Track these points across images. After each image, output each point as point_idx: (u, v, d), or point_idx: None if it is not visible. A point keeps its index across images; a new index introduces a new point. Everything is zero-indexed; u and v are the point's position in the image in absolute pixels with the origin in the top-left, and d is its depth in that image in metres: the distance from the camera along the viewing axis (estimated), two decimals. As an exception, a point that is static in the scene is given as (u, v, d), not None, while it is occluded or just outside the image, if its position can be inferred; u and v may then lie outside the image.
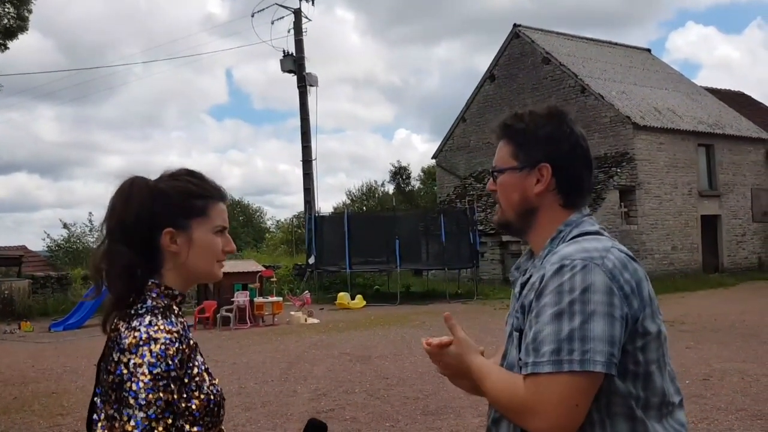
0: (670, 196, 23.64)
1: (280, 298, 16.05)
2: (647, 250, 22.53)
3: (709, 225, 24.83)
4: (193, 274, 1.52)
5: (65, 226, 31.34)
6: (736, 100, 30.82)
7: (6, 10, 18.76)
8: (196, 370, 1.42)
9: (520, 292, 1.55)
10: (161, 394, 1.31)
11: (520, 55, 26.21)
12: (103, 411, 1.39)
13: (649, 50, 31.93)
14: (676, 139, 24.00)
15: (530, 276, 1.53)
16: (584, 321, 1.32)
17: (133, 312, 1.42)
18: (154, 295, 1.45)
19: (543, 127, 1.57)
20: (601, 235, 1.50)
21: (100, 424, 1.40)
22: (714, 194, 25.11)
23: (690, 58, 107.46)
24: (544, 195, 1.55)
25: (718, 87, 32.27)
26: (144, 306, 1.42)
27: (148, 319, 1.39)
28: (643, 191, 22.83)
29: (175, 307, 1.48)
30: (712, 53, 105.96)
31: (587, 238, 1.47)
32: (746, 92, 34.18)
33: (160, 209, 1.47)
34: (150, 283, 1.46)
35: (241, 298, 14.74)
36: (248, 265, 16.87)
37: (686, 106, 26.60)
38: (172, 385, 1.34)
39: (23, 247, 25.79)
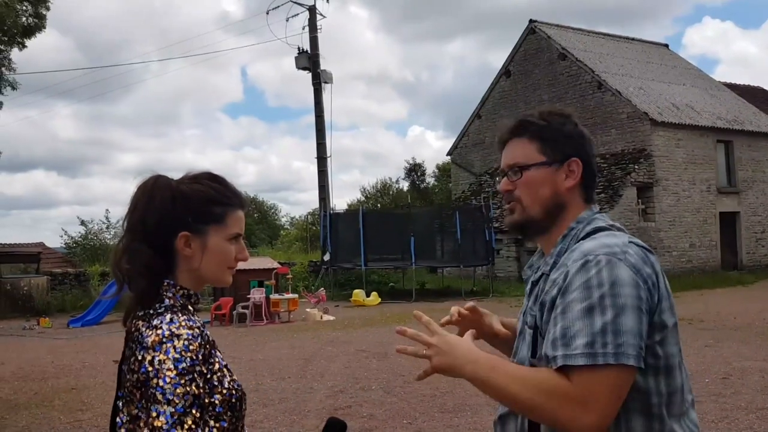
0: (688, 192, 23.40)
1: (296, 295, 16.10)
2: (665, 248, 22.33)
3: (728, 222, 24.56)
4: (203, 277, 1.53)
5: (82, 223, 31.56)
6: (755, 96, 30.45)
7: (24, 8, 18.95)
8: (217, 366, 1.43)
9: (532, 290, 1.56)
10: (188, 389, 1.32)
11: (536, 50, 26.05)
12: (126, 412, 1.39)
13: (666, 45, 31.63)
14: (695, 135, 23.75)
15: (542, 274, 1.53)
16: (616, 315, 1.32)
17: (152, 311, 1.43)
18: (170, 295, 1.46)
19: (564, 125, 1.58)
20: (616, 230, 1.51)
21: (123, 426, 1.40)
22: (733, 191, 24.83)
23: (707, 53, 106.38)
24: (573, 190, 1.56)
25: (737, 82, 31.92)
26: (162, 305, 1.44)
27: (168, 316, 1.40)
28: (661, 188, 22.62)
29: (190, 306, 1.50)
30: (730, 48, 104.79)
31: (605, 233, 1.47)
32: (765, 87, 33.76)
33: (179, 212, 1.47)
34: (166, 283, 1.47)
35: (257, 295, 14.81)
36: (264, 262, 16.94)
37: (704, 101, 26.31)
38: (198, 379, 1.35)
39: (41, 244, 26.03)
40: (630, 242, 1.43)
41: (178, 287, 1.48)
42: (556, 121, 1.59)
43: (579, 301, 1.35)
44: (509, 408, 1.50)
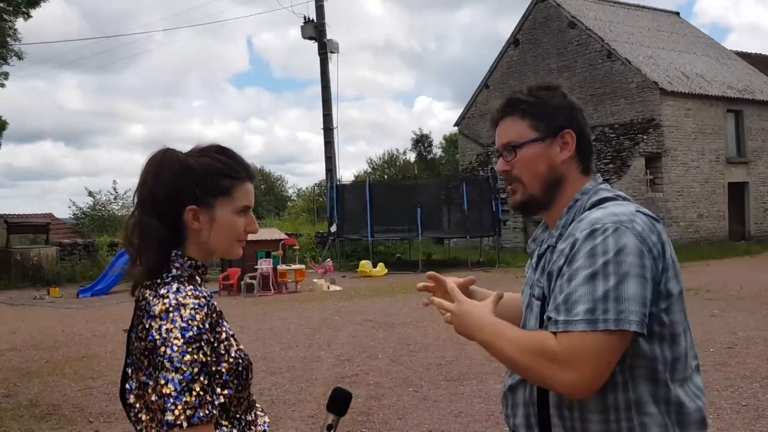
0: (697, 163, 23.24)
1: (303, 266, 16.18)
2: (672, 218, 22.26)
3: (737, 192, 24.42)
4: (212, 250, 1.54)
5: (90, 194, 31.63)
6: (767, 64, 30.03)
7: (28, -23, 18.79)
8: (224, 335, 1.45)
9: (538, 263, 1.57)
10: (195, 356, 1.34)
11: (545, 19, 25.71)
12: (135, 379, 1.41)
13: (677, 13, 31.12)
14: (704, 104, 23.50)
15: (548, 246, 1.55)
16: (619, 282, 1.34)
17: (159, 281, 1.44)
18: (177, 265, 1.48)
19: (553, 98, 1.59)
20: (622, 199, 1.52)
21: (133, 393, 1.43)
22: (742, 161, 24.64)
23: (719, 22, 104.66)
24: (569, 162, 1.57)
25: (749, 51, 31.45)
26: (169, 275, 1.45)
27: (175, 286, 1.42)
28: (670, 158, 22.46)
29: (198, 277, 1.51)
30: (742, 16, 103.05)
31: (612, 203, 1.48)
32: (778, 56, 33.26)
33: (187, 186, 1.48)
34: (174, 253, 1.48)
35: (264, 265, 14.89)
36: (271, 233, 17.01)
37: (715, 70, 25.98)
38: (205, 347, 1.37)
39: (50, 215, 26.18)
40: (637, 211, 1.44)
41: (186, 258, 1.49)
42: (545, 95, 1.59)
43: (584, 268, 1.37)
44: (511, 370, 1.55)
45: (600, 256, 1.36)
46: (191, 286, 1.43)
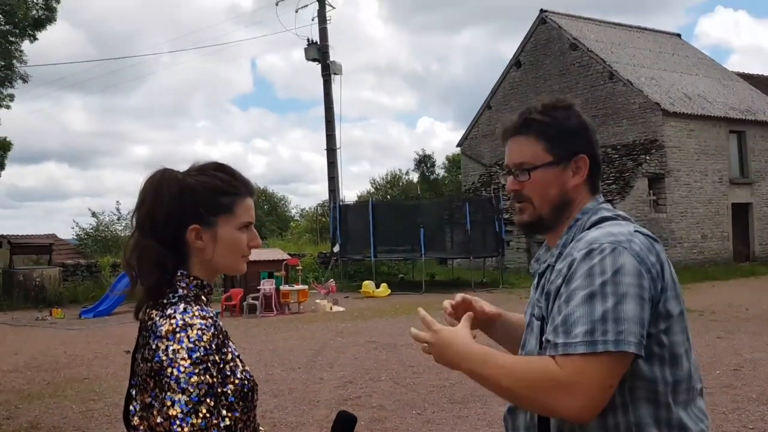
0: (700, 183, 23.23)
1: (306, 287, 16.14)
2: (676, 239, 22.20)
3: (741, 213, 24.37)
4: (217, 268, 1.54)
5: (93, 214, 31.65)
6: (769, 86, 30.13)
7: (35, 1, 19.02)
8: (230, 356, 1.44)
9: (539, 282, 1.56)
10: (202, 378, 1.33)
11: (547, 41, 25.88)
12: (140, 401, 1.40)
13: (679, 35, 31.31)
14: (707, 125, 23.54)
15: (548, 266, 1.53)
16: (617, 302, 1.32)
17: (165, 301, 1.44)
18: (183, 285, 1.47)
19: (568, 119, 1.58)
20: (621, 219, 1.51)
21: (137, 415, 1.41)
22: (745, 182, 24.62)
23: (720, 43, 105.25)
24: (580, 186, 1.57)
25: (750, 72, 31.57)
26: (176, 295, 1.45)
27: (182, 306, 1.41)
28: (673, 179, 22.47)
29: (203, 297, 1.50)
30: (743, 38, 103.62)
31: (610, 223, 1.48)
32: (779, 77, 33.37)
33: (188, 205, 1.47)
34: (179, 273, 1.48)
35: (267, 286, 14.85)
36: (274, 253, 16.97)
37: (717, 91, 26.07)
38: (212, 369, 1.36)
39: (53, 236, 26.19)
40: (636, 231, 1.43)
41: (192, 277, 1.49)
42: (561, 116, 1.57)
43: (581, 288, 1.36)
44: (508, 401, 1.50)
45: (598, 277, 1.35)
46: (198, 306, 1.43)
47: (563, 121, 1.57)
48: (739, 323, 11.21)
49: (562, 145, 1.55)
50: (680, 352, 1.42)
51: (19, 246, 20.02)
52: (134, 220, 1.50)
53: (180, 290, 1.46)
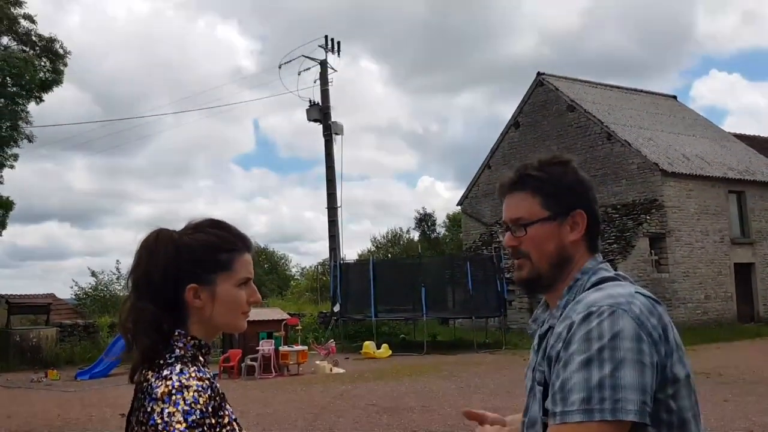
0: (702, 243, 23.22)
1: (305, 347, 15.93)
2: (680, 299, 22.04)
3: (743, 273, 24.27)
4: (217, 327, 1.52)
5: (93, 274, 31.67)
6: (766, 146, 30.48)
7: (42, 64, 19.47)
8: (226, 419, 1.40)
9: (539, 344, 1.53)
10: None
11: (545, 102, 26.34)
12: None
13: (675, 97, 31.91)
14: (706, 185, 23.71)
15: (549, 327, 1.51)
16: (615, 368, 1.29)
17: (162, 362, 1.41)
18: (180, 345, 1.44)
19: (565, 175, 1.57)
20: (622, 280, 1.49)
21: None
22: (747, 242, 24.62)
23: (716, 105, 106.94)
24: (578, 242, 1.54)
25: (747, 133, 32.01)
26: (172, 355, 1.42)
27: (179, 367, 1.38)
28: (674, 239, 22.47)
29: (201, 357, 1.47)
30: (739, 100, 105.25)
31: (610, 284, 1.45)
32: (775, 138, 33.79)
33: (185, 264, 1.45)
34: (176, 333, 1.45)
35: (266, 346, 14.66)
36: (273, 313, 16.83)
37: (715, 152, 26.36)
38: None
39: (51, 295, 26.07)
40: (636, 292, 1.40)
41: (189, 337, 1.46)
42: (557, 172, 1.57)
43: (578, 353, 1.32)
44: None
45: (595, 341, 1.31)
46: (195, 367, 1.39)
47: (560, 177, 1.56)
48: (747, 386, 11.00)
49: (558, 200, 1.54)
50: (689, 417, 1.38)
51: (16, 306, 19.87)
52: (130, 281, 1.48)
53: (177, 350, 1.42)
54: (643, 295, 1.41)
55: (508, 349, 18.49)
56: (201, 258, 1.46)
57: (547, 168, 1.58)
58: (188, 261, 1.45)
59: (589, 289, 1.46)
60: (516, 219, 1.57)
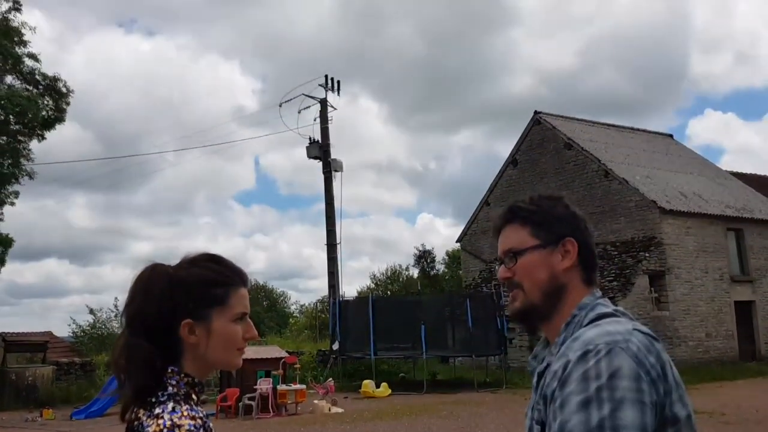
0: (701, 281, 23.16)
1: (304, 386, 15.76)
2: (681, 338, 21.89)
3: (744, 311, 24.15)
4: (212, 363, 1.49)
5: (91, 311, 31.49)
6: (763, 184, 30.63)
7: (45, 102, 19.69)
8: None
9: (538, 382, 1.51)
10: None
11: (542, 140, 26.56)
12: None
13: (671, 135, 32.17)
14: (704, 223, 23.75)
15: (547, 365, 1.49)
16: (614, 409, 1.26)
17: (154, 400, 1.39)
18: (173, 383, 1.42)
19: (555, 207, 1.59)
20: (620, 315, 1.47)
21: None
22: (746, 279, 24.56)
23: (712, 144, 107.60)
24: (571, 271, 1.53)
25: (743, 171, 32.20)
26: (165, 393, 1.40)
27: (171, 405, 1.36)
28: (673, 276, 22.41)
29: (194, 395, 1.45)
30: (734, 138, 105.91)
31: (607, 320, 1.43)
32: (772, 176, 33.99)
33: (180, 299, 1.44)
34: (170, 370, 1.43)
35: (263, 385, 14.51)
36: (271, 351, 16.70)
37: (712, 190, 26.48)
38: None
39: (49, 333, 25.82)
40: (634, 329, 1.39)
41: (183, 375, 1.44)
42: (547, 204, 1.59)
43: (576, 393, 1.30)
44: None
45: (593, 381, 1.30)
46: (187, 406, 1.37)
47: (549, 208, 1.58)
48: (751, 426, 10.87)
49: (548, 228, 1.55)
50: None
51: (13, 344, 19.70)
52: (124, 317, 1.47)
53: (170, 388, 1.40)
54: (641, 332, 1.39)
55: (508, 388, 18.29)
56: (196, 293, 1.44)
57: (537, 201, 1.61)
58: (183, 296, 1.43)
59: (586, 325, 1.45)
60: (507, 250, 1.59)
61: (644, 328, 1.42)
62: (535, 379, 1.55)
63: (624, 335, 1.36)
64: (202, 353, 1.45)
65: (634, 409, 1.27)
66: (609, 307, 1.50)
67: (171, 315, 1.43)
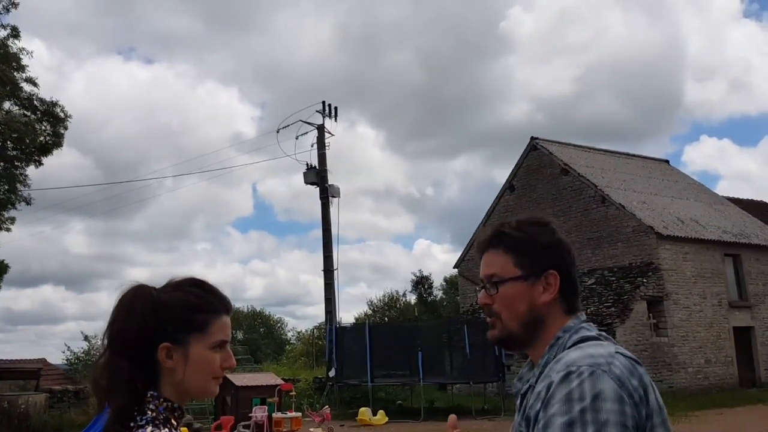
0: (700, 307, 23.07)
1: (300, 414, 15.58)
2: (680, 364, 21.74)
3: (743, 337, 24.04)
4: (187, 389, 1.47)
5: (86, 338, 31.28)
6: (760, 210, 30.72)
7: (43, 128, 19.73)
8: None
9: (521, 403, 1.50)
10: None
11: (539, 166, 26.65)
12: None
13: (667, 161, 32.31)
14: (701, 248, 23.75)
15: (530, 386, 1.48)
16: (598, 431, 1.25)
17: (133, 424, 1.36)
18: (152, 407, 1.40)
19: (541, 235, 1.56)
20: (603, 339, 1.46)
21: None
22: (745, 305, 24.49)
23: (708, 169, 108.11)
24: (551, 303, 1.52)
25: (740, 197, 32.29)
26: (144, 418, 1.37)
27: (149, 429, 1.34)
28: (672, 302, 22.33)
29: (173, 420, 1.43)
30: (729, 164, 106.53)
31: (590, 343, 1.43)
32: (769, 201, 34.10)
33: (160, 322, 1.43)
34: (149, 394, 1.41)
35: (259, 413, 14.34)
36: (267, 378, 16.55)
37: (709, 215, 26.53)
38: None
39: (43, 360, 25.61)
40: (617, 352, 1.38)
41: (162, 399, 1.41)
42: (533, 231, 1.57)
43: (560, 415, 1.29)
44: None
45: (576, 403, 1.28)
46: (166, 430, 1.36)
47: (535, 237, 1.55)
48: (752, 453, 10.73)
49: (531, 259, 1.53)
50: None
51: (6, 371, 19.50)
52: (106, 337, 1.44)
53: (149, 413, 1.38)
54: (624, 355, 1.39)
55: (507, 416, 18.07)
56: (176, 317, 1.43)
57: (523, 227, 1.58)
58: (164, 319, 1.42)
59: (570, 347, 1.44)
60: (489, 276, 1.57)
61: (627, 352, 1.41)
62: (518, 401, 1.54)
63: (606, 358, 1.35)
64: (179, 379, 1.43)
65: (617, 430, 1.26)
66: (592, 331, 1.50)
67: (150, 337, 1.41)
